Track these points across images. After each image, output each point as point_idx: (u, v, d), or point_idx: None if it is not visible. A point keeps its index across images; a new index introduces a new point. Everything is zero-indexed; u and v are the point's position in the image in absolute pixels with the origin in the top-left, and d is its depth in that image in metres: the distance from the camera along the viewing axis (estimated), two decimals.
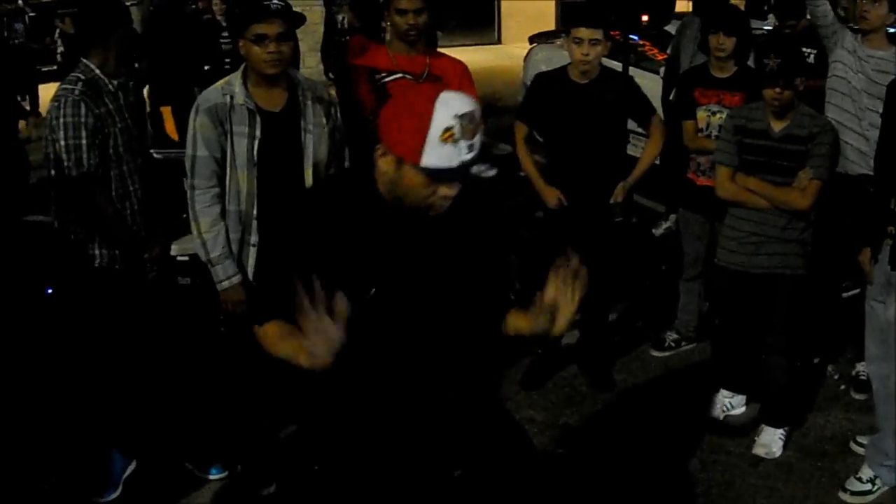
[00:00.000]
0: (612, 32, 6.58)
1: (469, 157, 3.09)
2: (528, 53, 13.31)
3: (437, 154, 3.06)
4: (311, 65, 15.07)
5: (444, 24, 12.57)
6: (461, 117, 3.06)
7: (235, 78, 5.06)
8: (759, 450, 5.95)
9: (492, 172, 3.25)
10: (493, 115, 6.70)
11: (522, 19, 22.27)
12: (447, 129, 3.04)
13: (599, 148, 6.32)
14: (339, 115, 5.32)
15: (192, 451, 5.67)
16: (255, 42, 4.86)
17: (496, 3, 24.87)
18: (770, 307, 5.88)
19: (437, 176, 3.12)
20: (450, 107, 3.06)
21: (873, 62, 6.23)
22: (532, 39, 14.13)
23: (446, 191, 3.17)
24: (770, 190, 5.66)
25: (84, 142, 5.05)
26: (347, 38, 7.35)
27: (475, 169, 3.11)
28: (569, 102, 6.31)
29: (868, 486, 5.60)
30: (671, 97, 7.85)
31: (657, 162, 6.68)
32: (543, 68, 8.15)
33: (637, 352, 7.15)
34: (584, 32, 6.12)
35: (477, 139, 3.11)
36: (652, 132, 6.54)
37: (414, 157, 3.08)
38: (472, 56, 16.91)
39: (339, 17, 10.86)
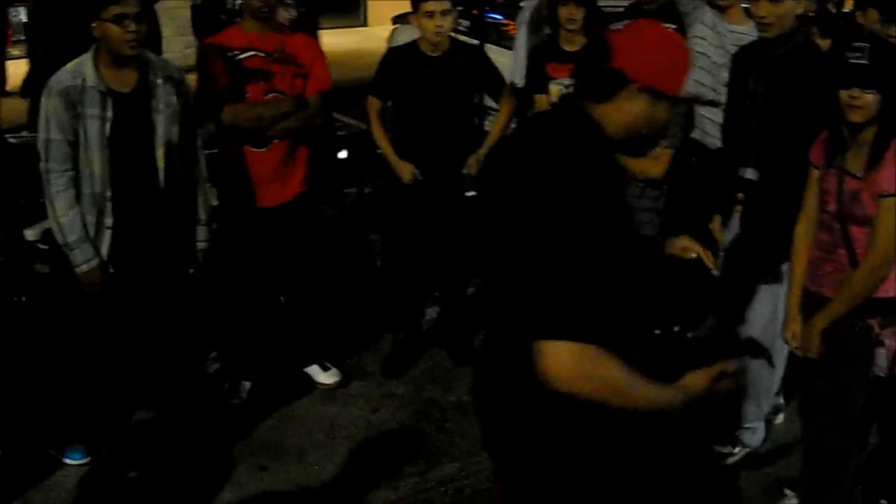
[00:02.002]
0: (473, 11, 6.61)
1: None
2: (391, 34, 13.29)
3: (688, 83, 3.12)
4: (176, 49, 14.85)
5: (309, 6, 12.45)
6: None
7: (87, 59, 5.04)
8: None
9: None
10: (361, 98, 6.72)
11: (389, 1, 22.17)
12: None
13: (452, 121, 6.41)
14: (189, 93, 5.33)
15: (55, 436, 5.61)
16: (114, 22, 4.86)
17: None
18: None
19: (677, 104, 3.19)
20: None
21: (733, 37, 6.27)
22: (395, 20, 14.14)
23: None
24: (623, 159, 5.72)
25: None
26: (239, 19, 7.18)
27: None
28: (421, 76, 6.34)
29: (729, 449, 5.74)
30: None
31: None
32: None
33: None
34: (433, 5, 6.15)
35: None
36: (502, 105, 6.64)
37: (676, 89, 3.11)
38: (337, 39, 16.85)
39: None
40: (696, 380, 3.11)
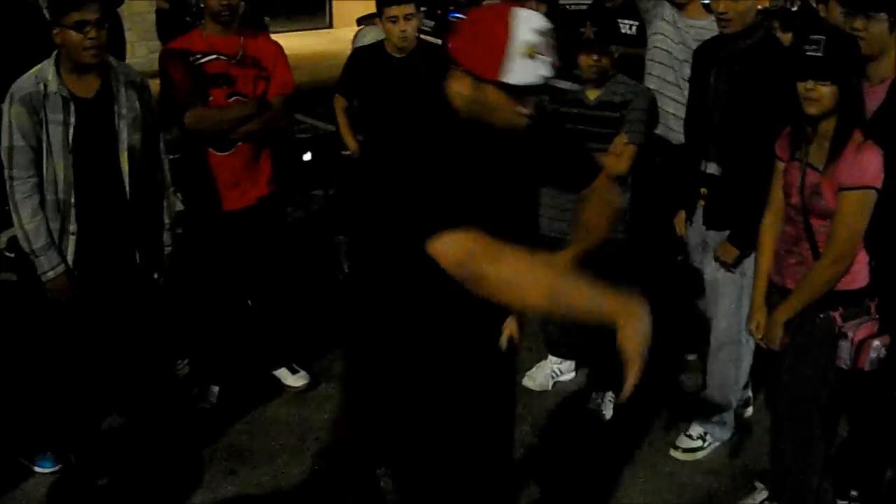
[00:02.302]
0: (437, 11, 6.63)
1: (550, 74, 3.13)
2: (356, 35, 13.25)
3: (521, 70, 3.09)
4: (141, 54, 14.83)
5: (273, 9, 12.42)
6: (544, 33, 3.11)
7: (49, 65, 5.02)
8: (590, 413, 6.06)
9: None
10: (327, 100, 6.78)
11: (355, 2, 22.06)
12: (531, 45, 3.07)
13: None
14: (151, 98, 5.33)
15: (25, 444, 5.59)
16: (74, 29, 4.84)
17: None
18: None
19: (519, 92, 3.16)
20: (530, 23, 3.10)
21: (693, 32, 6.29)
22: (360, 21, 14.10)
23: (526, 108, 3.22)
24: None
25: None
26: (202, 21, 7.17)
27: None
28: (387, 76, 6.37)
29: (699, 443, 5.76)
30: None
31: None
32: None
33: None
34: (396, 10, 6.19)
35: (555, 57, 3.15)
36: None
37: (493, 74, 3.11)
38: (303, 41, 16.83)
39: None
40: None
